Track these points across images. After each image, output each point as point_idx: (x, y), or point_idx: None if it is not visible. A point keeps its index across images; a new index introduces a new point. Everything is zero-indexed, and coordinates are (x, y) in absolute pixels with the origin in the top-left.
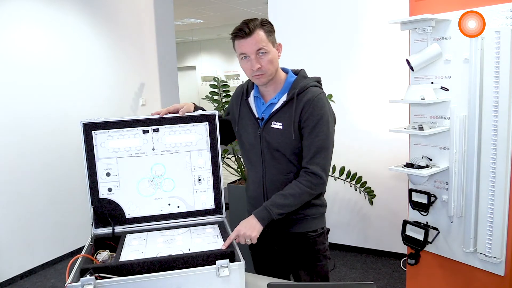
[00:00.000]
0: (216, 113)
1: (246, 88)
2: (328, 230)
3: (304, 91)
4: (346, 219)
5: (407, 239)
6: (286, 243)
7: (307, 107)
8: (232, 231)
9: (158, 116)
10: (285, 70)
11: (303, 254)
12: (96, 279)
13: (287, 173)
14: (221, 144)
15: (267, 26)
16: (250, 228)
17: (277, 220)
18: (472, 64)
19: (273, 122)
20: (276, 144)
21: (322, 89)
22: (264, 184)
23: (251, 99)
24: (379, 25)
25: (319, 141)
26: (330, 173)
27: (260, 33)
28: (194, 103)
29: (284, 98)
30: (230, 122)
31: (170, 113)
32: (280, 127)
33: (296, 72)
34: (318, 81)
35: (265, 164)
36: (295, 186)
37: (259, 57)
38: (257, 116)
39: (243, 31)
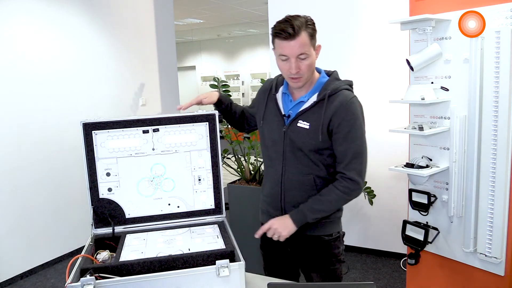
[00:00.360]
0: (216, 113)
1: (275, 84)
2: (343, 234)
3: (336, 93)
4: (346, 219)
5: (407, 239)
6: (300, 245)
7: (340, 111)
8: (232, 231)
9: (158, 116)
10: (318, 70)
11: (317, 257)
12: (96, 279)
13: (306, 174)
14: (238, 130)
15: (310, 28)
16: (283, 226)
17: None
18: (472, 64)
19: (299, 121)
20: (300, 143)
21: (353, 92)
22: (282, 183)
23: (278, 95)
24: (379, 25)
25: (355, 146)
26: None
27: (304, 36)
28: (218, 91)
29: (314, 98)
30: (250, 113)
31: (194, 105)
32: (307, 126)
33: (328, 73)
34: (350, 84)
35: (285, 163)
36: (331, 192)
37: (299, 60)
38: (283, 113)
39: (287, 32)
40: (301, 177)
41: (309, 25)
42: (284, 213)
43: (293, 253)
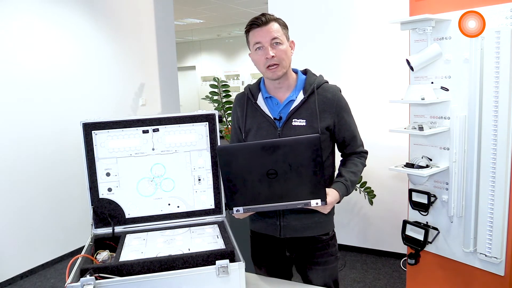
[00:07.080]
0: (216, 113)
1: (250, 93)
2: None
3: (320, 86)
4: (346, 219)
5: (407, 239)
6: (299, 247)
7: (337, 103)
8: (232, 231)
9: (158, 116)
10: (294, 70)
11: (317, 257)
12: (96, 279)
13: None
14: None
15: (281, 21)
16: (334, 203)
17: (290, 227)
18: (472, 64)
19: (293, 120)
20: None
21: None
22: None
23: (260, 102)
24: (378, 25)
25: (354, 127)
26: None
27: (275, 24)
28: None
29: (301, 95)
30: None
31: None
32: (304, 123)
33: (303, 72)
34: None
35: None
36: (358, 164)
37: (273, 46)
38: (272, 117)
39: (259, 20)
40: None
41: (279, 19)
42: (282, 219)
43: (291, 256)
